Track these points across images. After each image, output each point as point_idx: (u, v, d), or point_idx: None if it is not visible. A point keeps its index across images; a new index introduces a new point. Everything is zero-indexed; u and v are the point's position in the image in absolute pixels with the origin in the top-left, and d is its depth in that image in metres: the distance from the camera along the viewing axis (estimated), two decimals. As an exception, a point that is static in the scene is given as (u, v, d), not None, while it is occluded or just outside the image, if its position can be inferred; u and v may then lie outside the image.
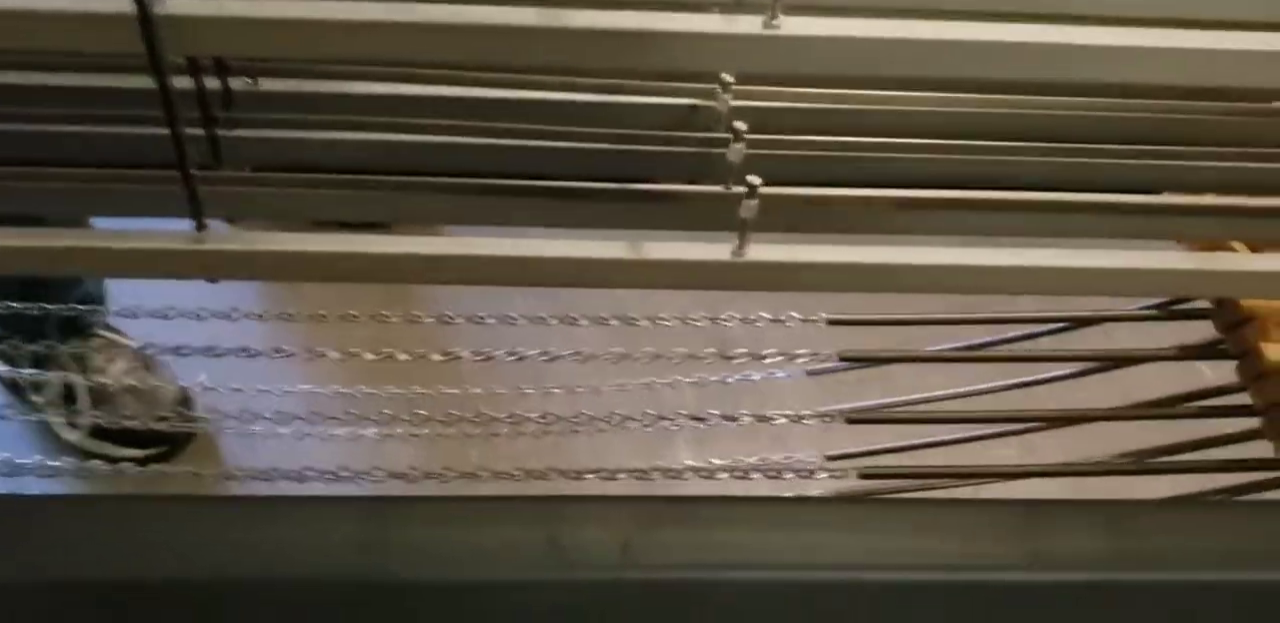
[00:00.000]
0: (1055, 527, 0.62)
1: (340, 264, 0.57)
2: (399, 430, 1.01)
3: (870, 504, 0.63)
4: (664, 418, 0.81)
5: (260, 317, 0.78)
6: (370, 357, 0.82)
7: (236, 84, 0.63)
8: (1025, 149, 0.60)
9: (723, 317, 0.87)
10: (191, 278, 0.57)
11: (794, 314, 0.83)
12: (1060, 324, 0.85)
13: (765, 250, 0.58)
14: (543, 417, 0.80)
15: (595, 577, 0.59)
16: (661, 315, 0.88)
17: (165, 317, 0.77)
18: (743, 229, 0.57)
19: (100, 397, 1.20)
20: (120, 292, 1.37)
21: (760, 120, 0.59)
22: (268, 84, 0.63)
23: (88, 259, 0.56)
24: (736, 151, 0.58)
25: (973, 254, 0.59)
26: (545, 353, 0.82)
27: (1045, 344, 0.88)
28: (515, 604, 0.58)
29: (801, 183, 0.59)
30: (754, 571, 0.60)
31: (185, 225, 0.58)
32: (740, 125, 0.57)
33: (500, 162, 0.61)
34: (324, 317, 0.82)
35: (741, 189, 0.56)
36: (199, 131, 0.59)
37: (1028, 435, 0.90)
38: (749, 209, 0.56)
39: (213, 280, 0.58)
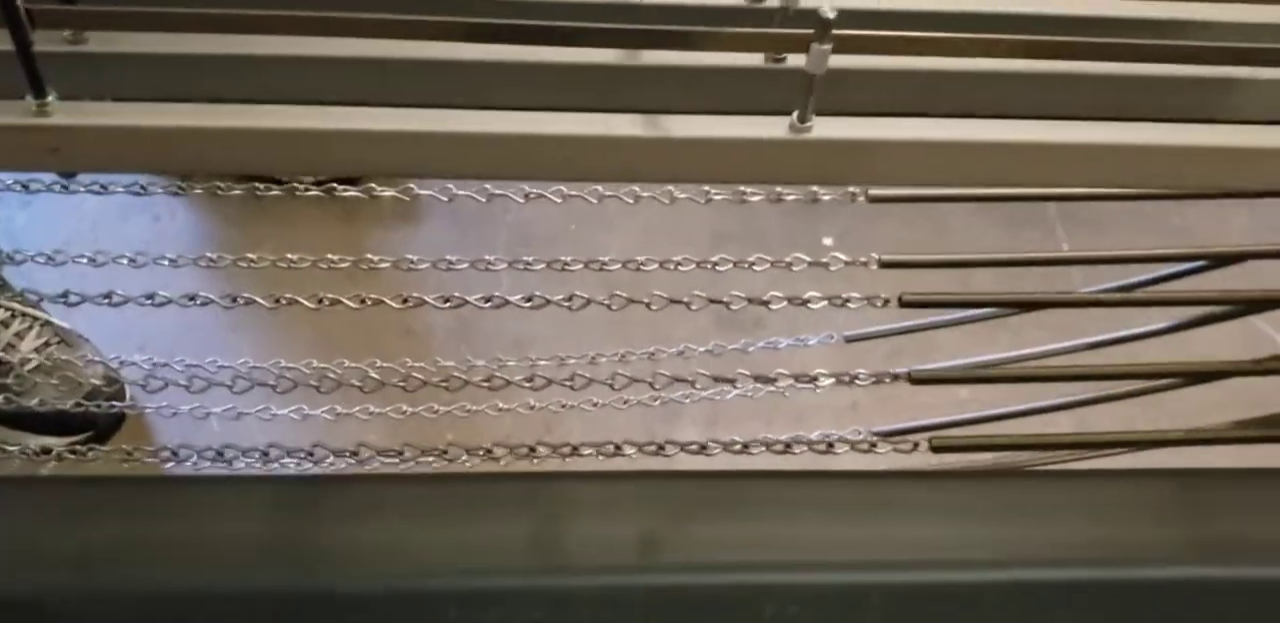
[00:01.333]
0: (1227, 504, 0.46)
1: (242, 144, 0.40)
2: (355, 409, 0.84)
3: (971, 479, 0.47)
4: (680, 380, 0.64)
5: (174, 262, 0.61)
6: (309, 305, 0.64)
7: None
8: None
9: (750, 260, 0.70)
10: (34, 168, 0.41)
11: (839, 255, 0.66)
12: (1190, 265, 0.67)
13: (836, 125, 0.42)
14: (528, 380, 0.63)
15: (603, 583, 0.42)
16: (673, 259, 0.71)
17: (53, 260, 0.60)
18: (809, 90, 0.40)
19: (7, 378, 1.03)
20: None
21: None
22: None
23: None
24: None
25: (1123, 131, 0.43)
26: (529, 297, 0.64)
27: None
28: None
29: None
30: (823, 572, 0.44)
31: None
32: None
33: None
34: (255, 261, 0.64)
35: (805, 30, 0.39)
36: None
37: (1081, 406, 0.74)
38: (819, 58, 0.39)
39: (68, 175, 0.41)
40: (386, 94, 0.43)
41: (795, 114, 0.42)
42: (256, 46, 0.41)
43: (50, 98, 0.39)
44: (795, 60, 0.43)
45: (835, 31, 0.39)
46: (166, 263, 0.60)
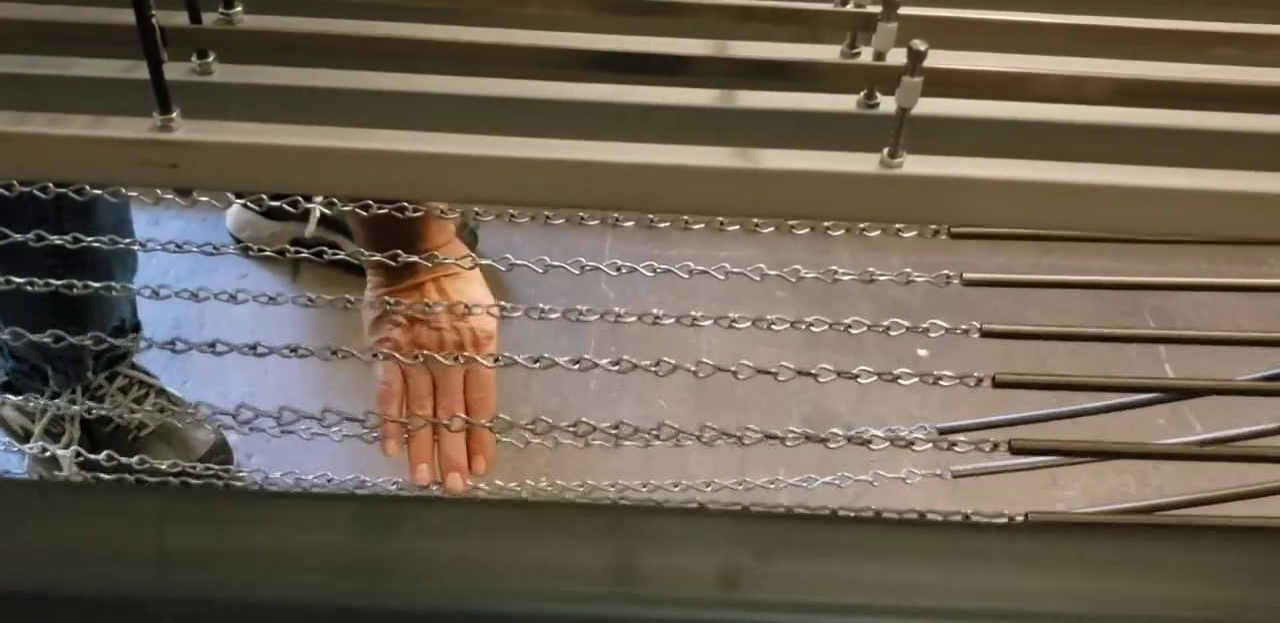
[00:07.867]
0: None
1: (361, 167, 0.42)
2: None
3: (1066, 531, 0.45)
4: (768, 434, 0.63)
5: (273, 300, 0.62)
6: (405, 360, 0.65)
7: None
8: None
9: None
10: (154, 183, 0.42)
11: (939, 322, 0.65)
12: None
13: (928, 162, 0.43)
14: (573, 425, 0.61)
15: (683, 616, 0.41)
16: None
17: (157, 296, 0.61)
18: (901, 121, 0.41)
19: (123, 443, 1.07)
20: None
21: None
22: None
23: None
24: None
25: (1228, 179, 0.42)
26: (616, 361, 0.64)
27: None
28: (567, 649, 0.40)
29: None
30: (905, 618, 0.42)
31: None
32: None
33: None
34: (350, 302, 0.65)
35: (896, 61, 0.40)
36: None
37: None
38: (910, 91, 0.40)
39: (185, 194, 0.43)
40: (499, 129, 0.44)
41: (886, 150, 0.42)
42: (379, 82, 0.43)
43: (174, 114, 0.41)
44: (888, 106, 0.44)
45: (927, 65, 0.40)
46: (265, 300, 0.61)
